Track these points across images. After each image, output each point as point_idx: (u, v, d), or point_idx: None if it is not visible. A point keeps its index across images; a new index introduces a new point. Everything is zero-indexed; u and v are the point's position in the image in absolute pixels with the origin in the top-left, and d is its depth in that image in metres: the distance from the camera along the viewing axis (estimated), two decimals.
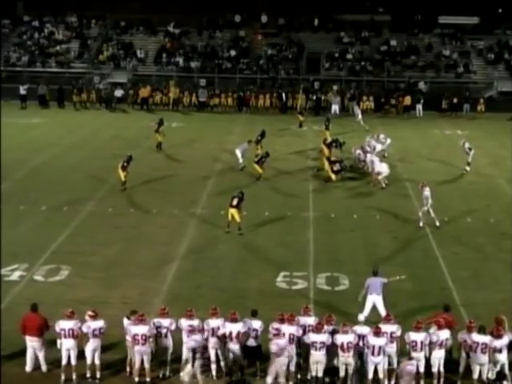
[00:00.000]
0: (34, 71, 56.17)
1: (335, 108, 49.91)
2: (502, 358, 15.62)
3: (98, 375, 15.88)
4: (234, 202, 25.12)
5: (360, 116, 45.03)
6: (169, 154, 36.86)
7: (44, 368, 16.24)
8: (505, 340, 15.59)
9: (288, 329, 15.72)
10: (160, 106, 52.51)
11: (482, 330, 15.63)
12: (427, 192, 26.05)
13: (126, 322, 16.21)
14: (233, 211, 25.07)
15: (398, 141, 39.30)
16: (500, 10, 60.79)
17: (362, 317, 16.58)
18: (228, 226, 25.23)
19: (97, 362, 15.87)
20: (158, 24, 61.16)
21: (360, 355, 15.68)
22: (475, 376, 15.58)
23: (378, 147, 34.31)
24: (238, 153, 33.61)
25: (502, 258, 23.41)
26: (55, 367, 16.19)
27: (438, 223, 26.01)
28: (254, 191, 29.98)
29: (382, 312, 17.93)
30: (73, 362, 15.85)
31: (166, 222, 26.51)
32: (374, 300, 18.42)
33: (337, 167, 32.05)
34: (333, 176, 31.78)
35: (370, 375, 15.53)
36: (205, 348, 16.13)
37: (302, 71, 56.74)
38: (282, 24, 61.05)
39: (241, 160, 33.53)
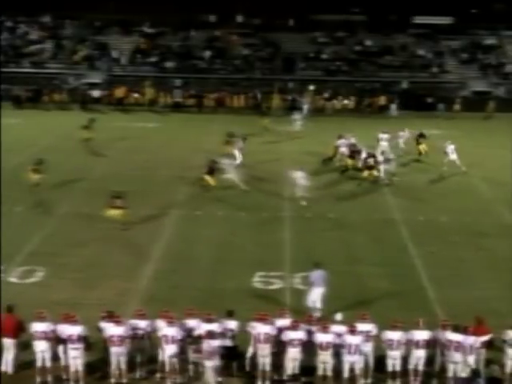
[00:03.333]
0: (8, 72, 55.71)
1: (305, 108, 49.92)
2: (474, 357, 15.64)
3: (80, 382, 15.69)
4: (117, 203, 25.28)
5: (299, 124, 44.18)
6: (146, 155, 36.68)
7: (10, 370, 16.08)
8: (477, 339, 15.62)
9: (263, 328, 15.74)
10: (135, 106, 52.34)
11: (456, 329, 15.70)
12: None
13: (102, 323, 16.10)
14: (113, 212, 25.26)
15: (373, 141, 39.33)
16: (474, 11, 61.24)
17: (338, 316, 16.62)
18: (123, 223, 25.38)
19: (80, 368, 15.67)
20: (132, 24, 60.97)
21: (336, 354, 15.72)
22: (449, 374, 15.66)
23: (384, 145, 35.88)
24: (237, 153, 34.16)
25: (478, 257, 23.58)
26: (23, 369, 16.18)
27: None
28: (231, 192, 29.93)
29: (319, 304, 18.45)
30: (47, 364, 15.75)
31: (143, 223, 26.42)
32: (319, 292, 18.73)
33: (370, 163, 32.23)
34: (367, 173, 32.02)
35: (346, 374, 15.60)
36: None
37: (277, 71, 56.81)
38: (257, 24, 61.11)
39: (239, 159, 34.03)
